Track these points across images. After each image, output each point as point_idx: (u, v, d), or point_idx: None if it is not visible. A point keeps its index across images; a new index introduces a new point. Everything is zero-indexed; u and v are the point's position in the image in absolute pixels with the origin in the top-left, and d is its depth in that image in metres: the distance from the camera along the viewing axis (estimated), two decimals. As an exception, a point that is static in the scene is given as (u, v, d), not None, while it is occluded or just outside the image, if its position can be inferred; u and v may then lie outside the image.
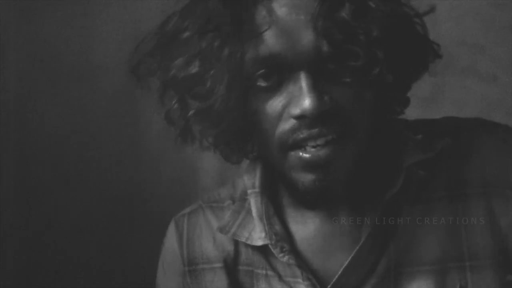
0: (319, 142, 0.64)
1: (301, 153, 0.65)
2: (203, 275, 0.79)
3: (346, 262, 0.71)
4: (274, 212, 0.76)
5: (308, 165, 0.65)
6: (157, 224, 0.89)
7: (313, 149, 0.64)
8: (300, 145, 0.65)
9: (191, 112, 0.68)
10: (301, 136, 0.64)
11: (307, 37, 0.63)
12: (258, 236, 0.74)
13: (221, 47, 0.63)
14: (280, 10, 0.63)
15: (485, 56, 1.41)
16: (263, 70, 0.64)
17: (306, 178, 0.66)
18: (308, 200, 0.73)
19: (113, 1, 1.45)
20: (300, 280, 0.73)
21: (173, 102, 0.70)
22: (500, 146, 0.72)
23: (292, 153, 0.66)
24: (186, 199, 0.89)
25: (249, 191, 0.78)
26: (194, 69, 0.65)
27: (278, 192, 0.77)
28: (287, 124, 0.65)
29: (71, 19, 1.44)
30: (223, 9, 0.64)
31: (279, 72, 0.64)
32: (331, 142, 0.64)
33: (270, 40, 0.63)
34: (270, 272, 0.75)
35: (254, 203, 0.76)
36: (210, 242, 0.79)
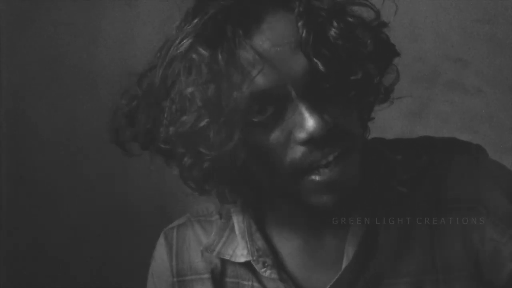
0: (330, 158, 0.64)
1: (316, 177, 0.65)
2: (191, 286, 0.81)
3: (333, 280, 0.73)
4: (257, 229, 0.78)
5: (326, 187, 0.66)
6: (148, 236, 0.90)
7: (326, 170, 0.65)
8: (314, 168, 0.65)
9: (206, 164, 0.66)
10: (317, 159, 0.64)
11: (298, 63, 0.63)
12: (240, 253, 0.77)
13: (217, 94, 0.63)
14: (263, 45, 0.63)
15: (469, 70, 1.43)
16: (257, 106, 0.64)
17: (325, 200, 0.66)
18: (302, 221, 0.75)
19: (115, 5, 1.46)
20: None
21: (185, 158, 0.68)
22: (472, 165, 0.75)
23: (306, 178, 0.66)
24: (176, 212, 0.90)
25: (232, 209, 0.80)
26: (202, 122, 0.64)
27: (262, 211, 0.79)
28: (296, 152, 0.65)
29: (71, 25, 1.45)
30: (209, 54, 0.63)
31: (274, 104, 0.64)
32: (339, 158, 0.65)
33: (260, 77, 0.62)
34: (256, 284, 0.77)
35: (236, 221, 0.79)
36: (198, 255, 0.81)
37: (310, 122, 0.62)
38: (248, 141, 0.65)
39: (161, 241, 0.85)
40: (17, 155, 1.44)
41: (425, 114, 1.43)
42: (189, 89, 0.64)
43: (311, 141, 0.63)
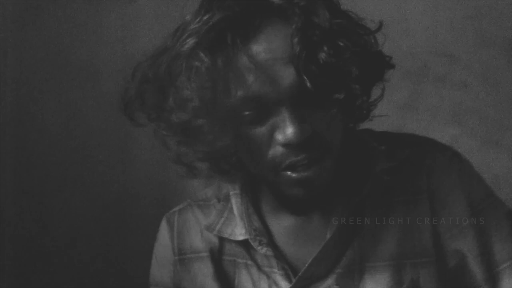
0: (304, 162, 0.72)
1: (291, 174, 0.73)
2: (192, 263, 0.87)
3: (315, 254, 0.79)
4: (254, 211, 0.84)
5: (298, 183, 0.73)
6: (147, 225, 0.93)
7: (300, 168, 0.72)
8: (290, 166, 0.72)
9: (199, 155, 0.75)
10: (292, 162, 0.72)
11: (288, 76, 0.69)
12: (239, 232, 0.83)
13: (214, 97, 0.70)
14: (260, 55, 0.69)
15: (458, 65, 1.46)
16: (249, 108, 0.70)
17: (297, 192, 0.74)
18: (290, 205, 0.82)
19: (118, 1, 1.48)
20: (275, 269, 0.82)
21: (180, 146, 0.76)
22: (446, 164, 0.82)
23: (283, 173, 0.73)
24: (174, 201, 0.94)
25: (231, 193, 0.87)
26: (199, 120, 0.72)
27: (257, 194, 0.86)
28: (277, 150, 0.72)
29: (74, 21, 1.46)
30: (208, 60, 0.69)
31: (263, 107, 0.71)
32: (313, 162, 0.72)
33: (254, 83, 0.69)
34: (249, 262, 0.84)
35: (235, 203, 0.85)
36: (198, 235, 0.88)
37: (290, 130, 0.69)
38: (238, 135, 0.73)
39: (163, 223, 0.91)
40: (21, 149, 1.45)
41: (416, 108, 1.46)
42: (188, 91, 0.71)
43: (289, 146, 0.70)
